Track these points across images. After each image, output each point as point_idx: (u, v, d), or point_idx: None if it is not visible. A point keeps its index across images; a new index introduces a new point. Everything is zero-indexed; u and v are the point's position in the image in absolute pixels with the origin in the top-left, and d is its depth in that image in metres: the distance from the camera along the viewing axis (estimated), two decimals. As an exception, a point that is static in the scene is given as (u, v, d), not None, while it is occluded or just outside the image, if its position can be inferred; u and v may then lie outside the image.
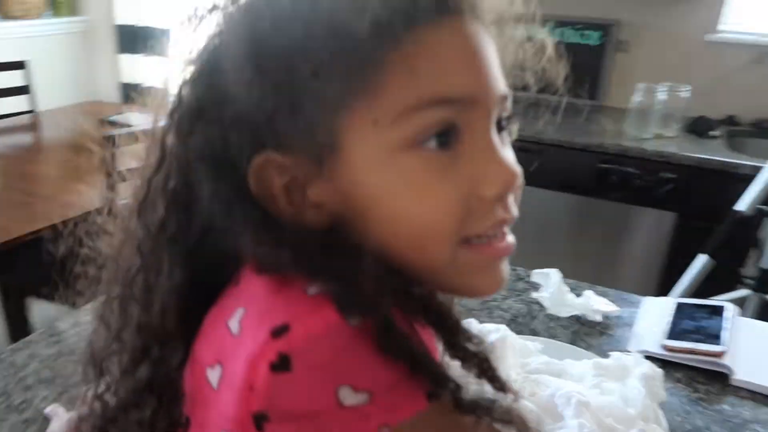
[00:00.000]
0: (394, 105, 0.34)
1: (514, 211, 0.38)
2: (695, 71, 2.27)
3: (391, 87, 0.34)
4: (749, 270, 1.63)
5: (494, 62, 0.37)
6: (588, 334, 0.97)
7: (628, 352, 0.89)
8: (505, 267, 0.39)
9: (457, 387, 0.35)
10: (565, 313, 1.00)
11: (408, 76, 0.34)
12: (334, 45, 0.34)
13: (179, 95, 0.39)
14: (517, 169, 0.37)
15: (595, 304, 1.00)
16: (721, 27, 2.27)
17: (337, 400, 0.31)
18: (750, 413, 0.82)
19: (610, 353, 0.82)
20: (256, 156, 0.37)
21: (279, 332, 0.32)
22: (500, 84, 0.37)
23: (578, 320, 1.00)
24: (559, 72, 0.43)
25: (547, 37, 0.42)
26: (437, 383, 0.34)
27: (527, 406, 0.39)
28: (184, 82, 0.39)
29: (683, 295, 1.55)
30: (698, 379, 0.88)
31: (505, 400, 0.37)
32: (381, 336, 0.33)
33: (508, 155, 0.38)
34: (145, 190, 0.40)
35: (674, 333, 0.95)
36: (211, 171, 0.37)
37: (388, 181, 0.36)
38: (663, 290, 1.88)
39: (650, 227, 2.11)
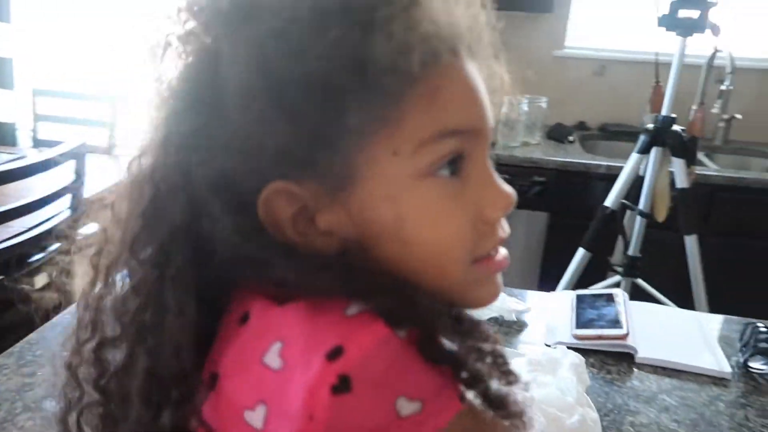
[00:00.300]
0: (414, 136, 0.36)
1: (507, 229, 0.41)
2: (549, 83, 2.50)
3: (411, 118, 0.35)
4: (616, 258, 1.83)
5: (486, 95, 0.40)
6: (508, 333, 1.04)
7: (548, 345, 0.97)
8: (500, 277, 0.42)
9: (487, 385, 0.37)
10: (484, 316, 1.06)
11: (428, 109, 0.36)
12: (360, 78, 0.34)
13: (168, 128, 0.38)
14: (514, 192, 0.40)
15: (509, 304, 1.07)
16: (566, 43, 2.54)
17: (395, 412, 0.32)
18: (656, 385, 0.92)
19: (538, 348, 0.88)
20: (267, 185, 0.36)
21: (334, 355, 0.32)
22: (492, 115, 0.40)
23: (497, 321, 1.06)
24: (514, 105, 0.47)
25: (504, 72, 0.46)
26: (474, 382, 0.36)
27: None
28: (170, 114, 0.38)
29: (568, 287, 1.70)
30: (608, 361, 0.98)
31: (515, 392, 0.39)
32: (426, 344, 0.34)
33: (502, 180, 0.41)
34: (138, 227, 0.38)
35: (581, 323, 1.04)
36: (225, 203, 0.36)
37: (407, 209, 0.37)
38: (544, 283, 2.05)
39: (526, 227, 2.28)
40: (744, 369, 0.95)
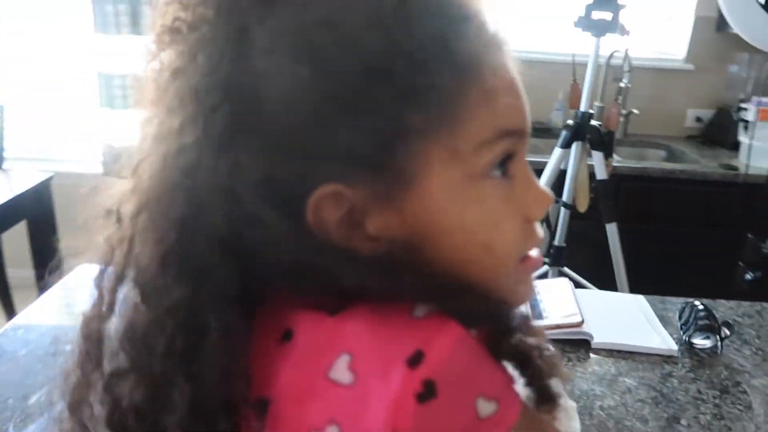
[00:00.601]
0: (475, 135, 0.35)
1: (542, 230, 0.42)
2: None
3: (473, 118, 0.35)
4: (541, 249, 1.91)
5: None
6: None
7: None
8: (533, 277, 0.43)
9: (546, 381, 0.37)
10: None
11: (486, 107, 0.35)
12: (423, 75, 0.33)
13: (197, 128, 0.34)
14: (551, 191, 0.40)
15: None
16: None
17: (476, 413, 0.31)
18: (614, 368, 0.97)
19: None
20: (318, 188, 0.34)
21: (415, 360, 0.31)
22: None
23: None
24: None
25: None
26: (536, 378, 0.36)
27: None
28: (198, 112, 0.34)
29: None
30: (566, 349, 1.01)
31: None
32: (496, 341, 0.34)
33: None
34: (171, 239, 0.34)
35: (536, 314, 1.07)
36: (275, 208, 0.34)
37: (465, 211, 0.36)
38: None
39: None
40: (688, 345, 1.02)
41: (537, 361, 0.36)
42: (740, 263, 1.85)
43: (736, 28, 1.67)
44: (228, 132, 0.33)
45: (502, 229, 0.37)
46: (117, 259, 0.37)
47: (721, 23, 2.45)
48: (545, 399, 0.37)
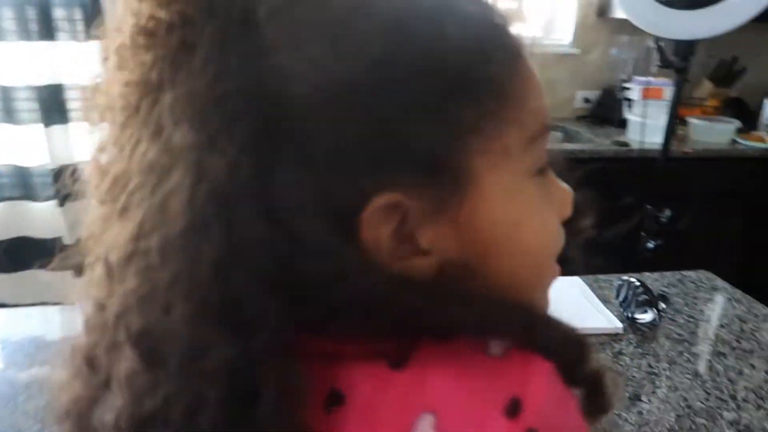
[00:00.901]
0: (524, 132, 0.33)
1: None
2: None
3: (520, 113, 0.33)
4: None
5: None
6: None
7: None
8: None
9: (610, 405, 0.35)
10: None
11: (532, 99, 0.33)
12: (475, 69, 0.31)
13: (228, 145, 0.27)
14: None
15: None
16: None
17: None
18: (570, 353, 0.99)
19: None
20: (373, 199, 0.30)
21: (514, 410, 0.27)
22: None
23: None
24: None
25: None
26: (605, 405, 0.34)
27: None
28: (220, 129, 0.27)
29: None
30: (520, 339, 1.02)
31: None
32: (573, 370, 0.31)
33: None
34: (209, 284, 0.27)
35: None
36: (331, 232, 0.29)
37: (519, 214, 0.34)
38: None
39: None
40: (631, 322, 1.06)
41: (606, 386, 0.34)
42: (642, 233, 1.97)
43: (626, 13, 1.77)
44: (262, 146, 0.28)
45: (550, 231, 0.36)
46: (110, 322, 0.30)
47: (602, 8, 2.61)
48: (601, 412, 0.34)
